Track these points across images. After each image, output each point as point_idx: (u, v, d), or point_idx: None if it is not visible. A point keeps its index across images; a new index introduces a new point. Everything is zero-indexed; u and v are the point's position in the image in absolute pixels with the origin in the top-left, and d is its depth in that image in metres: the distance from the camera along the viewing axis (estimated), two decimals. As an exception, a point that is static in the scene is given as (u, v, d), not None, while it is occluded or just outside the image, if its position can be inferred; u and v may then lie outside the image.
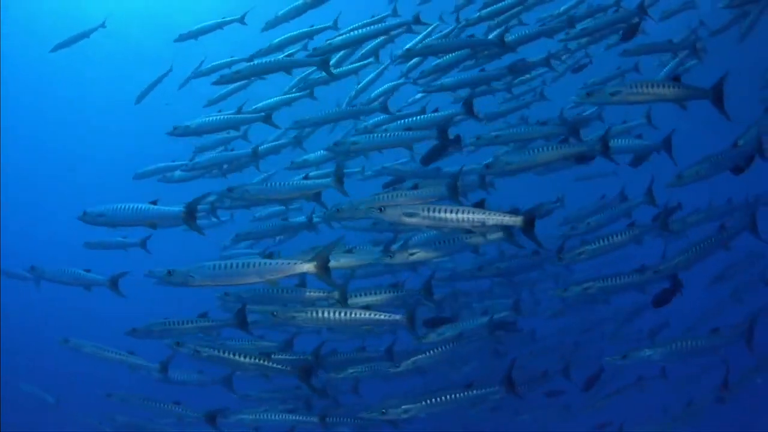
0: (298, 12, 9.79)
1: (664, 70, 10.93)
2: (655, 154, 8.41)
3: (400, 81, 10.39)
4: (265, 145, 9.83)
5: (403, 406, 7.17)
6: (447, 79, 8.92)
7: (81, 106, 25.27)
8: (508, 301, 9.92)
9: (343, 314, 6.69)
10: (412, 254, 7.27)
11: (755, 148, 7.37)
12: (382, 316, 6.80)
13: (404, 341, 8.47)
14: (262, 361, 6.93)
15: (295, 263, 5.98)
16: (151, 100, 13.53)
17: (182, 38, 12.01)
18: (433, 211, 6.06)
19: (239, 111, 8.74)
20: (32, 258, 8.86)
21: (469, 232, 7.02)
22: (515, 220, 6.02)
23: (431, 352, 7.78)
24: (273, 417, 8.26)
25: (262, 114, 8.63)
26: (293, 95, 9.56)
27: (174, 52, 12.03)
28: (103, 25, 14.77)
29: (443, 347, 7.80)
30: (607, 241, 7.85)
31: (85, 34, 14.74)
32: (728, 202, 9.43)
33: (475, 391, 7.41)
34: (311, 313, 6.69)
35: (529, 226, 6.03)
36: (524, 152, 7.47)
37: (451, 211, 6.03)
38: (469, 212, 6.02)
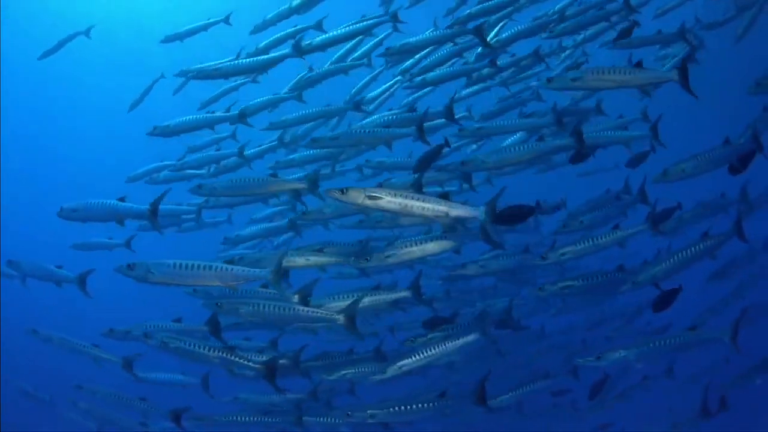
0: (286, 15, 9.84)
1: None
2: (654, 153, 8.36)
3: (367, 79, 10.53)
4: (254, 150, 9.86)
5: (369, 411, 6.97)
6: (430, 75, 8.94)
7: (76, 109, 25.36)
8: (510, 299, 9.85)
9: (282, 309, 6.58)
10: (388, 257, 6.95)
11: (754, 146, 7.26)
12: (321, 314, 6.72)
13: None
14: (226, 355, 6.89)
15: (253, 271, 6.13)
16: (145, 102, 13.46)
17: (168, 39, 12.13)
18: (397, 196, 5.93)
19: (227, 110, 8.98)
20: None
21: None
22: (476, 213, 5.98)
23: (419, 355, 7.38)
24: (246, 419, 8.32)
25: (236, 114, 8.79)
26: (283, 96, 9.57)
27: (168, 56, 12.00)
28: (87, 33, 14.86)
29: (432, 350, 7.40)
30: (591, 243, 7.63)
31: (69, 38, 14.86)
32: (722, 197, 9.24)
33: (446, 402, 7.16)
34: (254, 306, 6.58)
35: (491, 219, 5.97)
36: (500, 151, 7.46)
37: (415, 199, 5.94)
38: (432, 202, 5.94)
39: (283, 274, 6.17)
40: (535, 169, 10.28)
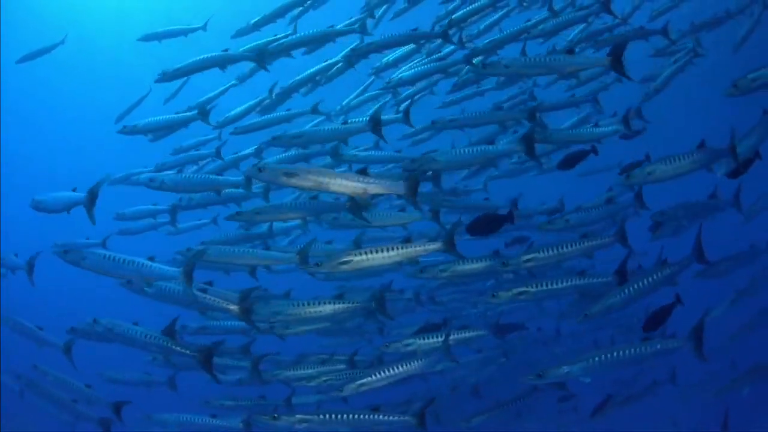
0: (270, 20, 9.97)
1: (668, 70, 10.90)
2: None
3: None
4: (240, 153, 9.87)
5: (298, 416, 6.71)
6: (405, 73, 9.03)
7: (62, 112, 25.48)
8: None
9: (183, 293, 6.65)
10: (344, 263, 6.58)
11: (732, 152, 6.97)
12: (217, 302, 6.79)
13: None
14: (164, 342, 6.90)
15: (167, 269, 6.36)
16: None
17: (146, 38, 12.30)
18: (314, 174, 5.87)
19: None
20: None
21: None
22: (397, 188, 5.95)
23: (380, 374, 7.05)
24: (197, 421, 8.44)
25: (196, 112, 9.02)
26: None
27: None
28: (62, 42, 15.07)
29: (394, 370, 7.11)
30: (556, 251, 7.18)
31: (47, 50, 15.14)
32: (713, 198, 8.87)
33: (381, 416, 6.72)
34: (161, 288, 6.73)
35: (413, 192, 5.94)
36: (451, 151, 7.41)
37: (333, 176, 5.88)
38: (349, 178, 5.87)
39: (190, 272, 6.28)
40: (535, 170, 10.24)
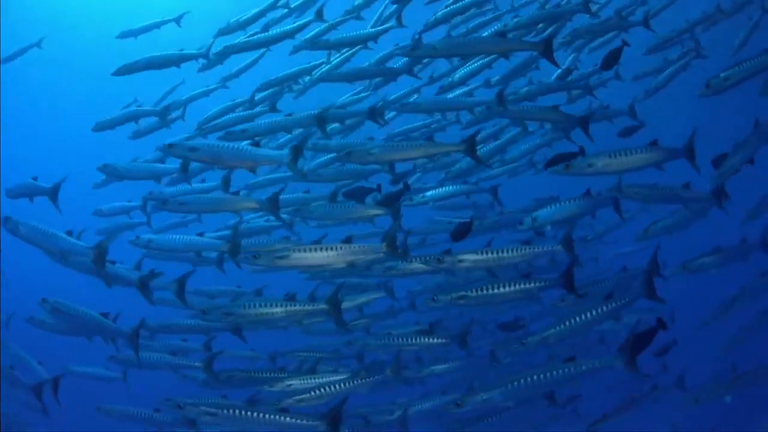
0: (254, 19, 10.03)
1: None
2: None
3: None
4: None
5: (203, 407, 6.55)
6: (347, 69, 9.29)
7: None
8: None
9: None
10: (282, 258, 6.49)
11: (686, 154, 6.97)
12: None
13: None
14: (99, 321, 7.22)
15: (83, 245, 6.76)
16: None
17: (123, 35, 12.42)
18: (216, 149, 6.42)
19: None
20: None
21: None
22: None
23: (320, 391, 7.02)
24: (140, 414, 8.66)
25: (159, 109, 9.42)
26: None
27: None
28: (39, 44, 15.18)
29: (335, 387, 7.08)
30: (494, 255, 6.80)
31: (23, 50, 15.31)
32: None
33: (289, 419, 6.48)
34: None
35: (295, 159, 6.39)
36: (388, 145, 7.40)
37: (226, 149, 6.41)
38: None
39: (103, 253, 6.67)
40: (533, 170, 10.20)
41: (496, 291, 6.67)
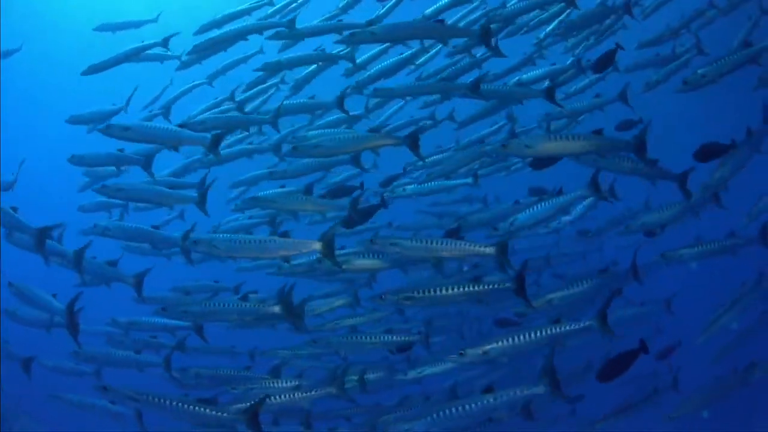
0: (233, 17, 10.09)
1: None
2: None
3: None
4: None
5: (129, 391, 6.55)
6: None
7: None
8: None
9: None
10: (216, 245, 6.64)
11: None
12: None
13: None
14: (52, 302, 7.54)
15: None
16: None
17: (101, 29, 12.73)
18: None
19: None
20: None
21: None
22: None
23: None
24: (95, 403, 8.86)
25: (120, 107, 9.72)
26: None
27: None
28: (18, 49, 15.26)
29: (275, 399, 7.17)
30: (425, 243, 6.70)
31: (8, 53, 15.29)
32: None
33: (213, 412, 6.43)
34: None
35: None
36: (333, 136, 7.43)
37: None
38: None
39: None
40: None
41: (443, 293, 6.61)
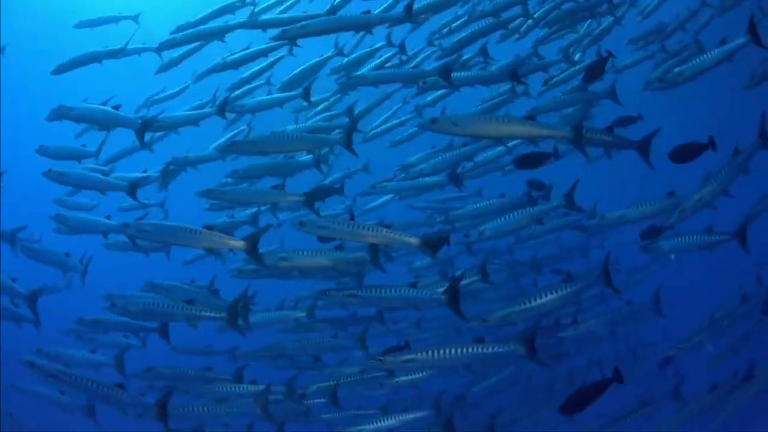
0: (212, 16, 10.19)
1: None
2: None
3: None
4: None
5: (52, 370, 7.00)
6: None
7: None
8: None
9: None
10: (144, 230, 6.87)
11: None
12: None
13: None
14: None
15: None
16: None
17: (80, 25, 12.86)
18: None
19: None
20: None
21: None
22: None
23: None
24: (47, 393, 8.68)
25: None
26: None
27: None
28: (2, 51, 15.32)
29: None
30: (348, 227, 6.67)
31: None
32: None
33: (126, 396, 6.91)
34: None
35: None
36: (266, 137, 7.58)
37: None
38: None
39: None
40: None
41: (383, 294, 6.75)
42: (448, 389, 9.99)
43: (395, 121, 10.63)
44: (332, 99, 10.20)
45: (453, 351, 6.17)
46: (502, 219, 7.58)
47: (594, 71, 8.29)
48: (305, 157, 8.56)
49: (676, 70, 6.93)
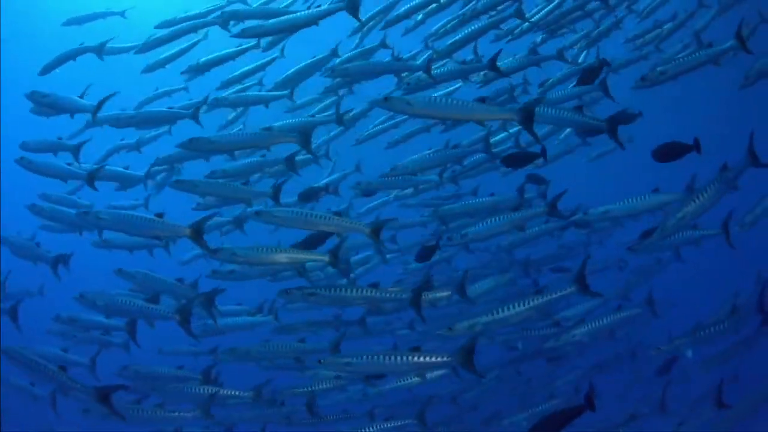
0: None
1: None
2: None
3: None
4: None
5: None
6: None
7: None
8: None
9: None
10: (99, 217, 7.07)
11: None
12: None
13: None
14: None
15: None
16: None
17: (68, 23, 13.04)
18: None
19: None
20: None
21: None
22: None
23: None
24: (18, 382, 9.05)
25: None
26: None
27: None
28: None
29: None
30: (302, 216, 6.95)
31: None
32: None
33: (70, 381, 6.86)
34: None
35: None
36: (227, 135, 7.94)
37: None
38: None
39: None
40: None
41: (342, 294, 6.81)
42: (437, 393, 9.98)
43: (389, 123, 10.57)
44: (328, 102, 10.19)
45: (389, 358, 6.25)
46: (485, 223, 7.68)
47: (589, 75, 8.28)
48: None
49: (659, 68, 7.00)
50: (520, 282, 10.02)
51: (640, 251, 8.34)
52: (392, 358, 6.24)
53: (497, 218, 7.67)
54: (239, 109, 10.84)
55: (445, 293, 7.28)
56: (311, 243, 7.38)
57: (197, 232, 6.74)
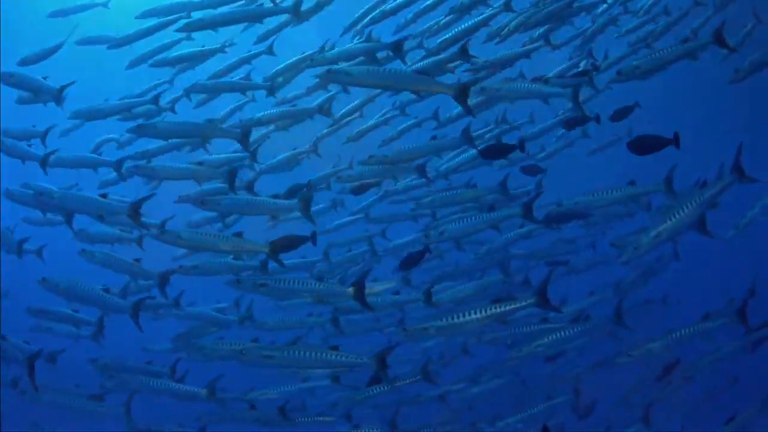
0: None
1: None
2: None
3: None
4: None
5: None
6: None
7: None
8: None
9: None
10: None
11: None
12: None
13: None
14: None
15: None
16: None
17: (53, 15, 12.87)
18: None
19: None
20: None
21: None
22: None
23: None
24: None
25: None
26: None
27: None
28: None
29: None
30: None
31: None
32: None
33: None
34: None
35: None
36: (174, 123, 7.94)
37: None
38: None
39: None
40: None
41: (292, 285, 6.95)
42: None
43: (380, 119, 10.55)
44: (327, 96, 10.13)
45: (308, 353, 6.37)
46: (461, 222, 7.70)
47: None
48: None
49: (634, 63, 7.04)
50: (516, 278, 9.93)
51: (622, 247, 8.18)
52: (312, 354, 6.35)
53: (474, 217, 7.67)
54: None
55: (388, 284, 7.37)
56: (292, 241, 7.45)
57: (134, 211, 7.09)
